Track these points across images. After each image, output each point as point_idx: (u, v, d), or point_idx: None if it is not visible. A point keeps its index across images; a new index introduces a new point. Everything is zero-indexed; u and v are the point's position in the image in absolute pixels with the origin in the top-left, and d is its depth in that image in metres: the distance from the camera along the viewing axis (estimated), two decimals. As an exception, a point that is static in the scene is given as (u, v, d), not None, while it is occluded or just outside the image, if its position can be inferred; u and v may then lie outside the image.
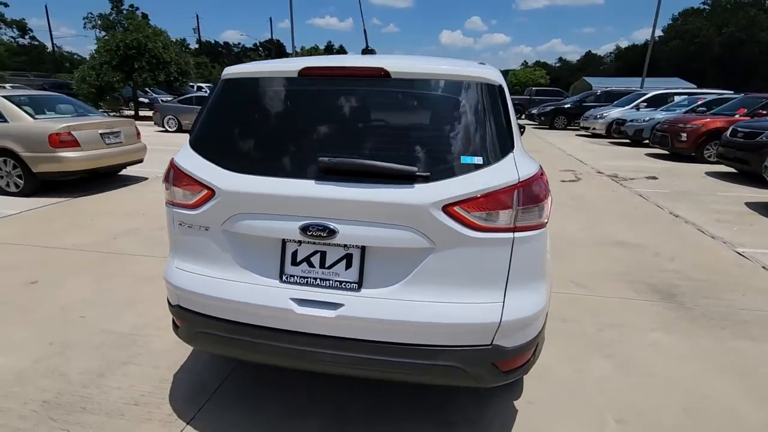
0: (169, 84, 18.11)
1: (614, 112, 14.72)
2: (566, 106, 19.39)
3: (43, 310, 3.02)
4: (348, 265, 1.58)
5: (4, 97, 5.93)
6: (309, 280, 1.60)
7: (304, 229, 1.54)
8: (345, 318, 1.55)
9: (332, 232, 1.53)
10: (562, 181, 7.81)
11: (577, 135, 16.49)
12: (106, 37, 17.29)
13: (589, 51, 62.36)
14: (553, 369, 2.46)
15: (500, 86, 1.68)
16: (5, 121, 5.77)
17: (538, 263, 1.67)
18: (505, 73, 54.19)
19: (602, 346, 2.69)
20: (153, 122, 14.70)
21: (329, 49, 74.90)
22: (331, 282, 1.59)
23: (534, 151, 11.66)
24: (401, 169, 1.48)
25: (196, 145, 1.75)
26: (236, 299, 1.64)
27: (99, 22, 35.76)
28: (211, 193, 1.64)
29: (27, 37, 52.66)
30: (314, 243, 1.58)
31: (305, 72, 1.68)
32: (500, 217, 1.51)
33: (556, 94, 25.14)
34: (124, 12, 35.81)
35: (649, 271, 3.83)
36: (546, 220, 1.64)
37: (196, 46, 61.55)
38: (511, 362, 1.66)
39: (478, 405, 2.15)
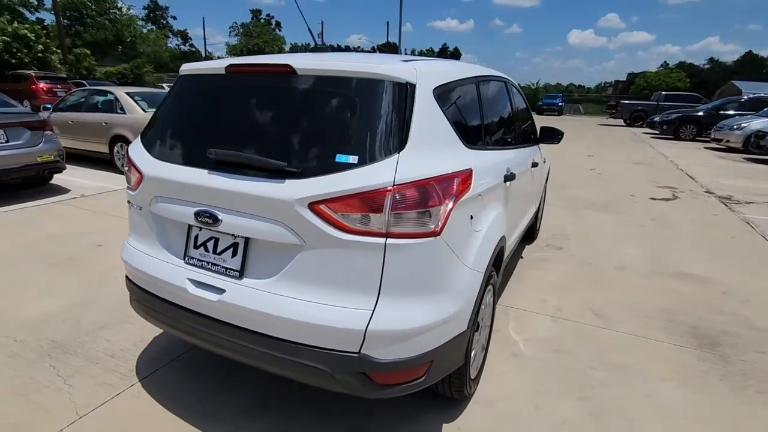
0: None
1: (757, 123, 12.26)
2: (698, 113, 16.68)
3: (94, 268, 3.63)
4: (234, 254, 1.65)
5: (126, 93, 7.18)
6: (204, 263, 1.71)
7: (197, 215, 1.65)
8: (225, 303, 1.62)
9: (217, 220, 1.61)
10: (652, 198, 6.80)
11: (705, 148, 14.10)
12: (234, 43, 19.66)
13: (750, 51, 52.31)
14: (510, 400, 2.22)
15: (408, 84, 1.58)
16: (124, 113, 6.98)
17: (428, 274, 1.54)
18: (634, 76, 48.37)
19: (584, 386, 2.33)
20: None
21: (443, 51, 75.02)
22: (219, 267, 1.67)
23: (636, 163, 10.31)
24: (271, 164, 1.50)
25: (142, 135, 1.98)
26: (153, 274, 1.82)
27: (241, 29, 40.80)
28: (141, 176, 1.84)
29: (187, 44, 62.27)
30: (210, 229, 1.68)
31: (230, 69, 1.79)
32: (370, 220, 1.44)
33: (691, 99, 21.71)
34: (261, 21, 40.33)
35: (702, 312, 3.18)
36: (437, 229, 1.51)
37: (321, 50, 66.53)
38: (389, 376, 1.56)
39: (400, 418, 2.04)
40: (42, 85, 16.89)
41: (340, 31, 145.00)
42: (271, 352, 1.58)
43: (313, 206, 1.45)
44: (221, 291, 1.64)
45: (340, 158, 1.47)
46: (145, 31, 43.92)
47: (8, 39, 19.57)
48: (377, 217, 1.43)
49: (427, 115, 1.62)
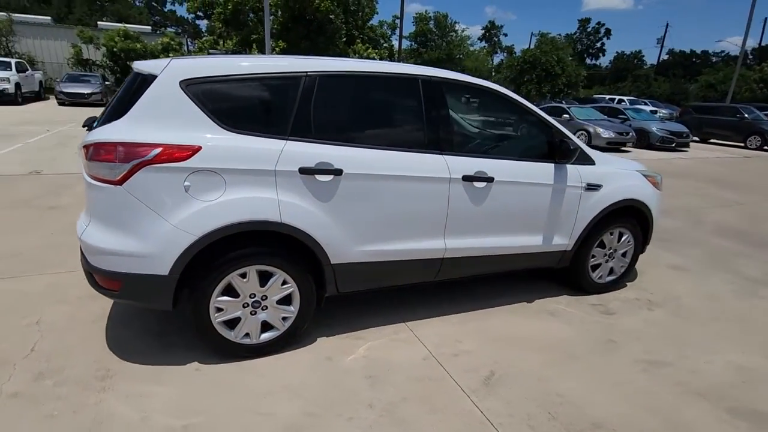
0: (554, 95, 19.07)
1: None
2: None
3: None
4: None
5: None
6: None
7: None
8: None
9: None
10: None
11: None
12: (515, 54, 20.16)
13: None
14: (262, 377, 2.32)
15: (150, 75, 2.13)
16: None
17: (113, 212, 2.09)
18: None
19: (332, 410, 2.12)
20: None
21: None
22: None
23: None
24: (88, 123, 2.39)
25: None
26: None
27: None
28: None
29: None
30: None
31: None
32: (86, 164, 2.13)
33: None
34: (588, 30, 38.43)
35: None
36: (116, 180, 2.03)
37: (665, 57, 56.92)
38: (97, 279, 2.22)
39: (182, 340, 2.55)
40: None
41: (711, 33, 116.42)
42: None
43: (82, 150, 2.26)
44: None
45: (95, 124, 2.21)
46: (472, 48, 49.95)
47: (361, 61, 26.99)
48: (86, 163, 2.11)
49: (161, 98, 2.11)
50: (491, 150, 3.01)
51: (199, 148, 2.11)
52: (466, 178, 2.68)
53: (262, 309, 2.42)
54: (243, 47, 28.98)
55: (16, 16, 23.06)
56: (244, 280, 2.32)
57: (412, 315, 3.02)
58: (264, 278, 2.37)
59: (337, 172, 2.35)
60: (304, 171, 2.30)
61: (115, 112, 2.16)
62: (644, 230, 3.52)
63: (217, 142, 2.15)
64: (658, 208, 3.59)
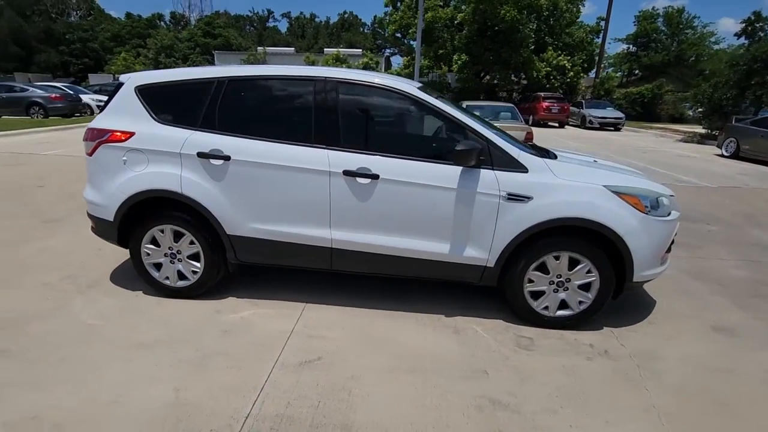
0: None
1: None
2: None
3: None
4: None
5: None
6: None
7: None
8: None
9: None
10: None
11: None
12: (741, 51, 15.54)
13: None
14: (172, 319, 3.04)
15: (122, 83, 3.09)
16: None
17: (90, 174, 3.10)
18: None
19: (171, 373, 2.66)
20: (716, 144, 12.78)
21: None
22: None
23: None
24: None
25: None
26: None
27: None
28: None
29: None
30: None
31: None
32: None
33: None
34: None
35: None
36: (89, 153, 3.04)
37: None
38: (91, 221, 3.29)
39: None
40: (545, 103, 21.19)
41: None
42: None
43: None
44: None
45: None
46: (718, 47, 40.10)
47: (550, 69, 25.26)
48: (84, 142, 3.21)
49: (123, 99, 3.04)
50: (388, 148, 2.92)
51: (133, 134, 2.96)
52: (348, 173, 2.79)
53: (178, 260, 3.12)
54: (436, 61, 30.97)
55: (270, 48, 30.62)
56: (163, 234, 3.07)
57: (319, 299, 3.24)
58: (178, 236, 3.07)
59: (226, 158, 2.86)
60: (200, 155, 2.89)
61: (102, 109, 3.21)
62: (619, 262, 2.76)
63: (146, 129, 2.96)
64: (651, 236, 2.75)
